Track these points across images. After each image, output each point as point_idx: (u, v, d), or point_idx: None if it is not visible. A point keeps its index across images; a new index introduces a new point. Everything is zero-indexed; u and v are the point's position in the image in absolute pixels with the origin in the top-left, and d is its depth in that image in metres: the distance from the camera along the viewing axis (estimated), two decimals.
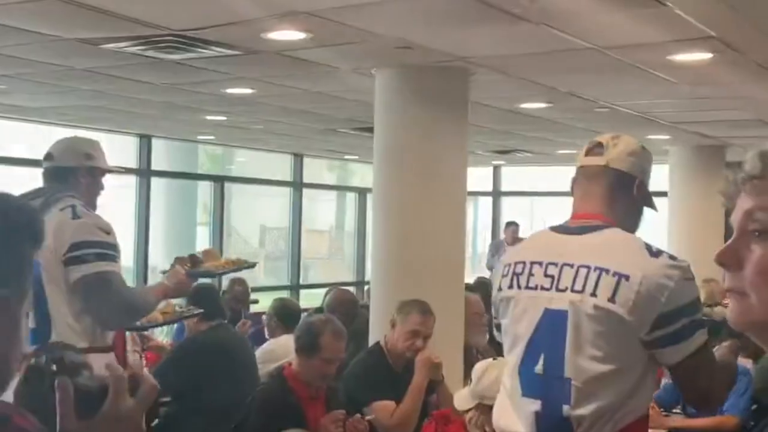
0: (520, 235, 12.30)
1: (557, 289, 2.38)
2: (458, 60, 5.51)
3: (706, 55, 5.19)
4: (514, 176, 14.50)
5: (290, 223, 12.40)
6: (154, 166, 10.43)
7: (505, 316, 2.51)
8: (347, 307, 6.35)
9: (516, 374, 2.44)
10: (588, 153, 2.52)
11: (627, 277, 2.29)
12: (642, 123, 8.30)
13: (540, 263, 2.44)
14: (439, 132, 5.79)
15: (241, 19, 4.60)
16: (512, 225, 12.56)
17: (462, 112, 5.93)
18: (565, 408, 2.33)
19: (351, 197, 13.96)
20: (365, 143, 10.46)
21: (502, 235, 13.17)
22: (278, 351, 5.47)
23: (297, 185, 12.36)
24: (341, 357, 4.08)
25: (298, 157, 12.30)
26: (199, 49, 5.26)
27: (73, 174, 3.47)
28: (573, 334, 2.33)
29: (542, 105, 7.30)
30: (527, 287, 2.45)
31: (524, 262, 2.48)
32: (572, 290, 2.35)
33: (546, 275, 2.42)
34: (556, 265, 2.41)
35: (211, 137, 10.68)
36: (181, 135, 10.40)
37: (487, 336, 6.34)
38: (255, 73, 6.17)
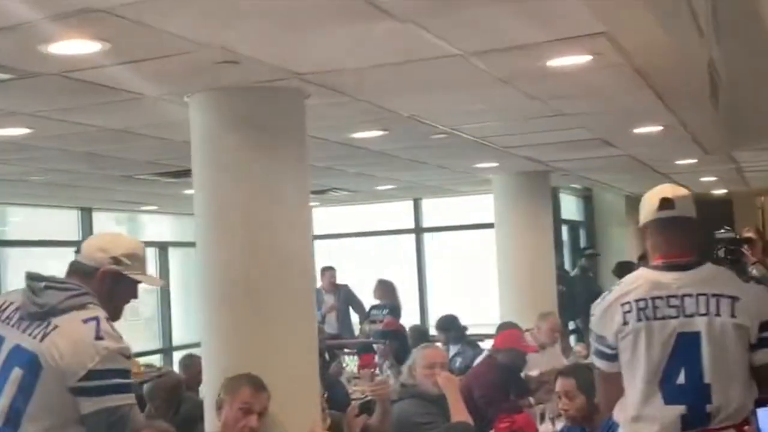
0: (338, 281, 11.33)
1: (685, 316, 3.11)
2: (293, 77, 4.48)
3: (585, 58, 4.45)
4: (326, 218, 13.49)
5: None
6: None
7: (635, 345, 3.15)
8: (170, 394, 5.19)
9: (656, 388, 3.11)
10: (661, 208, 3.25)
11: (737, 299, 3.12)
12: (473, 149, 7.55)
13: (661, 297, 3.14)
14: (272, 172, 4.72)
15: (5, 24, 3.36)
16: (329, 270, 11.53)
17: (299, 145, 4.88)
18: (708, 407, 3.06)
19: (149, 253, 12.49)
20: (167, 191, 9.21)
21: (318, 282, 12.09)
22: None
23: None
24: None
25: (87, 212, 10.75)
26: None
27: (96, 275, 3.14)
28: (708, 348, 3.08)
29: (378, 133, 6.38)
30: (655, 318, 3.13)
31: (645, 299, 3.16)
32: (699, 314, 3.11)
33: (670, 306, 3.13)
34: (676, 297, 3.13)
35: None
36: None
37: None
38: (33, 106, 4.88)
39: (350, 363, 9.67)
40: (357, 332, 11.20)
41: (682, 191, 3.34)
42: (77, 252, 3.25)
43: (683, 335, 3.09)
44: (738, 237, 10.26)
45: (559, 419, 5.34)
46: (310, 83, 4.65)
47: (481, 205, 11.94)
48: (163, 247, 11.89)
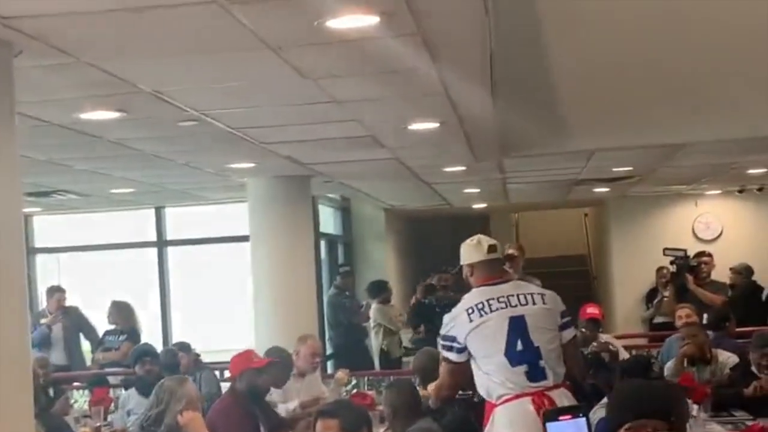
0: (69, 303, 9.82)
1: (511, 306, 4.55)
2: None
3: (373, 20, 3.63)
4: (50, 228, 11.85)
5: None
6: None
7: (481, 333, 4.52)
8: None
9: (503, 357, 4.45)
10: (489, 252, 4.71)
11: (544, 294, 4.69)
12: (227, 144, 6.56)
13: (493, 298, 4.58)
14: None
15: None
16: (57, 291, 9.94)
17: (6, 121, 3.68)
18: (541, 362, 4.45)
19: None
20: None
21: (43, 303, 10.42)
22: None
23: None
24: None
25: None
26: None
27: None
28: (531, 325, 4.51)
29: (113, 114, 5.23)
30: (492, 311, 4.54)
31: (482, 302, 4.57)
32: (521, 305, 4.57)
33: (499, 302, 4.56)
34: (503, 296, 4.59)
35: None
36: None
37: None
38: None
39: (80, 399, 8.33)
40: (89, 362, 9.80)
41: (495, 240, 4.86)
42: None
43: (513, 318, 4.50)
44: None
45: None
46: (19, 33, 3.52)
47: (233, 216, 10.99)
48: None
